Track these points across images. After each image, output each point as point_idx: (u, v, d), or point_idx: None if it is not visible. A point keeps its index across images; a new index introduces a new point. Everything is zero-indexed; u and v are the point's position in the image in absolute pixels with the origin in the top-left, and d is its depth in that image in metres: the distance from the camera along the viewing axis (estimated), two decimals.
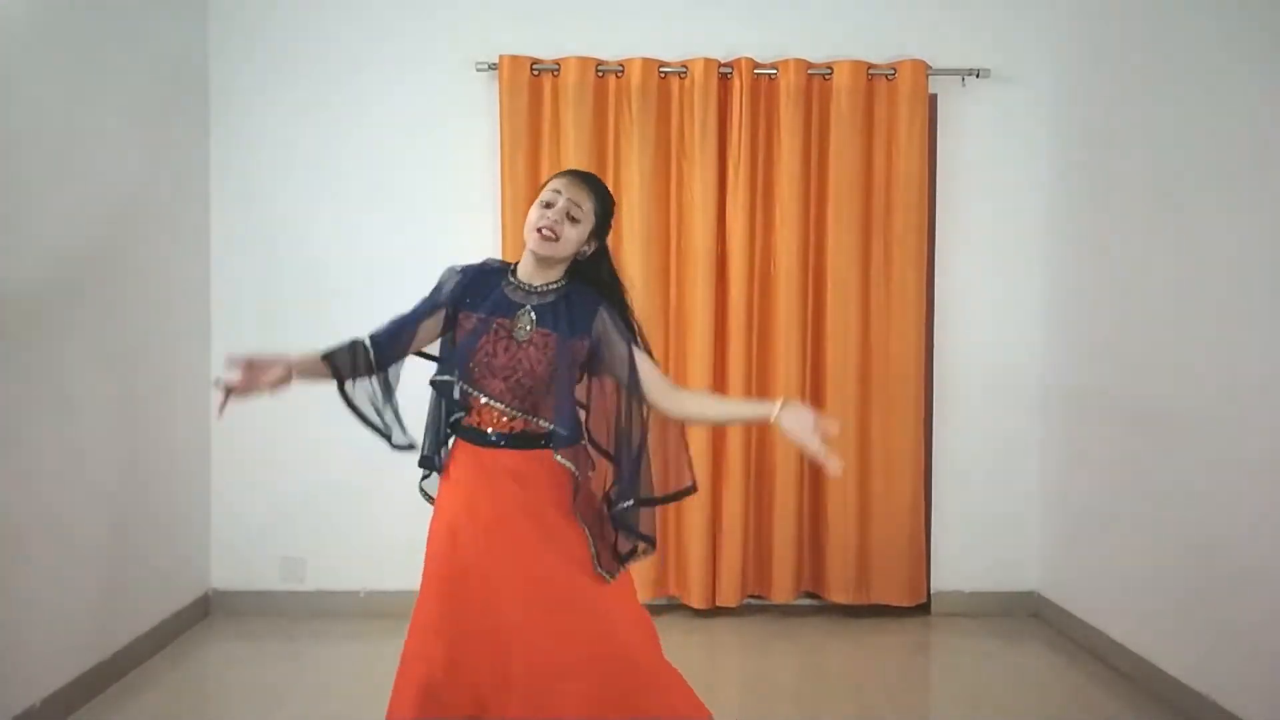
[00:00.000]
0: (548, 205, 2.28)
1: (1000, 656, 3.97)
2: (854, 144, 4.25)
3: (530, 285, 2.31)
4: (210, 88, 4.27)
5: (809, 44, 4.28)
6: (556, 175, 2.38)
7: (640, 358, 2.30)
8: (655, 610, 4.31)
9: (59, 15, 3.19)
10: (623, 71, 4.22)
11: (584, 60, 4.19)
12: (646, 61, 4.20)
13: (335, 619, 4.23)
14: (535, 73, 4.20)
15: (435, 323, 2.35)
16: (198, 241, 4.21)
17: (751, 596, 4.37)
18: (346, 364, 2.32)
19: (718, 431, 4.24)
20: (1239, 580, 3.11)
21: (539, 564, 2.23)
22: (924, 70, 4.26)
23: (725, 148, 4.24)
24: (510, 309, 2.28)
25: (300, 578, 4.30)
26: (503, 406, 2.25)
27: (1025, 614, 4.38)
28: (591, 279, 2.35)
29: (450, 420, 2.34)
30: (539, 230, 2.26)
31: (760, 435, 4.32)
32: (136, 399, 3.68)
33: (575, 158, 4.17)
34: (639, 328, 2.36)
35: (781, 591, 4.30)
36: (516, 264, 2.37)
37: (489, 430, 2.27)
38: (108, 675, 3.44)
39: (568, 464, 2.26)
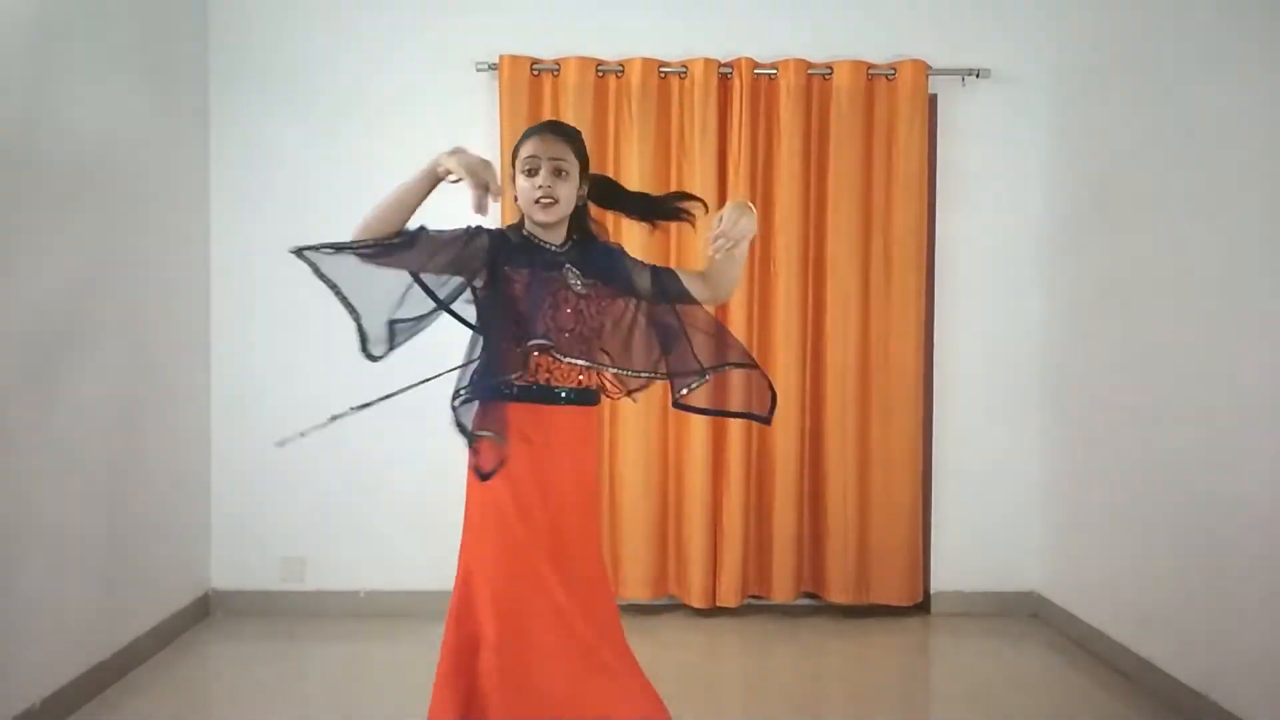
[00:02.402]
0: (531, 172, 2.26)
1: (1000, 656, 3.97)
2: (854, 144, 4.25)
3: (558, 246, 2.31)
4: (210, 87, 4.27)
5: (809, 44, 4.28)
6: (524, 139, 2.32)
7: (670, 277, 2.35)
8: (655, 610, 4.35)
9: (57, 16, 3.19)
10: (623, 71, 4.22)
11: (584, 60, 4.19)
12: (646, 61, 4.21)
13: (335, 619, 4.23)
14: (535, 73, 4.20)
15: (454, 260, 2.24)
16: (198, 241, 4.21)
17: (751, 596, 4.37)
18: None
19: (718, 432, 4.25)
20: (1239, 580, 3.11)
21: (581, 552, 2.29)
22: (924, 70, 4.26)
23: (725, 148, 4.24)
24: (555, 266, 2.27)
25: (300, 578, 4.31)
26: (580, 362, 2.24)
27: (1025, 614, 4.39)
28: (583, 224, 2.37)
29: (503, 380, 2.22)
30: (537, 201, 2.24)
31: (760, 435, 4.32)
32: (136, 399, 3.68)
33: None
34: (655, 203, 2.44)
35: (781, 591, 4.30)
36: (515, 228, 2.33)
37: (559, 389, 2.26)
38: (108, 675, 3.44)
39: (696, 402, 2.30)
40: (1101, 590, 3.92)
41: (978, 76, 4.31)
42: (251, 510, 4.29)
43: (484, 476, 2.18)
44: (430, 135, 4.28)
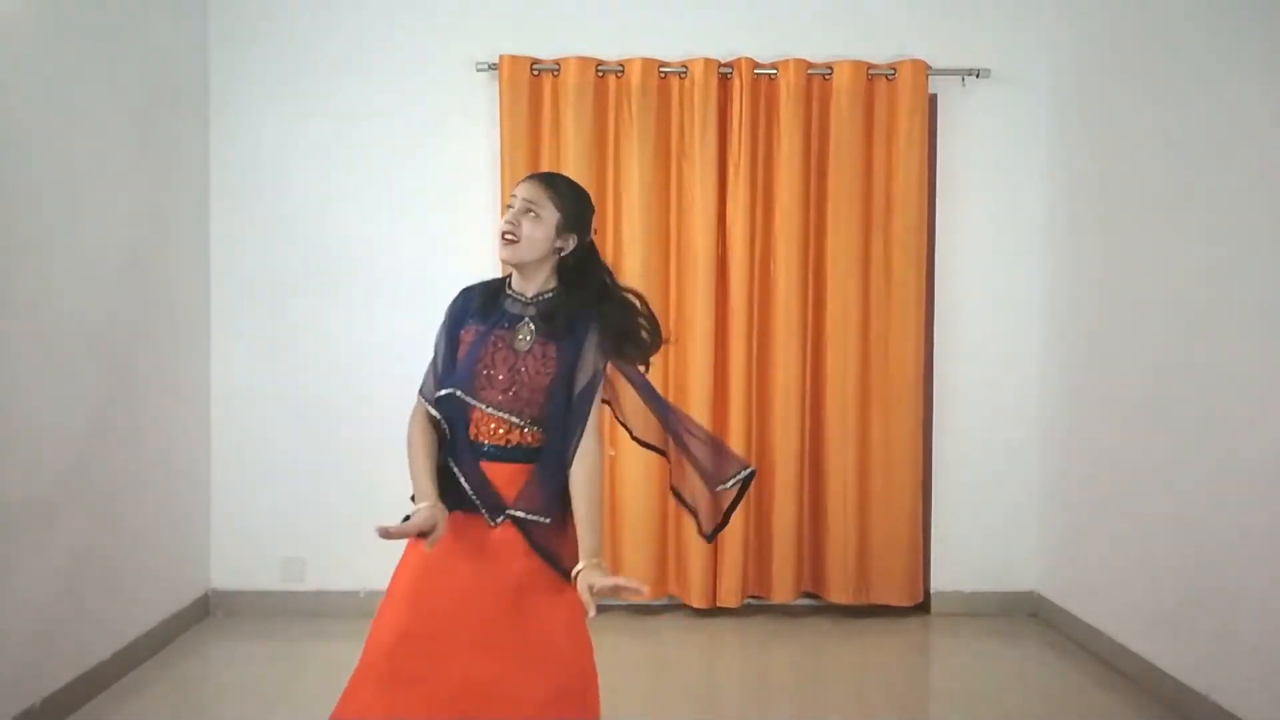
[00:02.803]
0: (510, 207, 2.25)
1: (1000, 656, 3.97)
2: (854, 144, 4.25)
3: (524, 296, 2.26)
4: (210, 88, 4.27)
5: (809, 44, 4.28)
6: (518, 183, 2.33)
7: (627, 377, 2.27)
8: (655, 610, 4.35)
9: (58, 16, 3.19)
10: (623, 71, 4.22)
11: (584, 60, 4.19)
12: (646, 61, 4.20)
13: (335, 619, 4.23)
14: (535, 73, 4.20)
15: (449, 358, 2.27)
16: (198, 242, 4.21)
17: (752, 597, 4.37)
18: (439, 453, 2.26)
19: (718, 432, 4.24)
20: (1239, 580, 3.11)
21: (499, 602, 2.17)
22: (924, 70, 4.26)
23: (725, 148, 4.24)
24: (511, 321, 2.24)
25: (300, 578, 4.30)
26: (503, 415, 2.19)
27: (1024, 614, 4.38)
28: (580, 284, 2.26)
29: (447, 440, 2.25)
30: (501, 236, 2.21)
31: (760, 436, 4.32)
32: (136, 399, 3.68)
33: (575, 158, 4.18)
34: (642, 326, 2.27)
35: (781, 591, 4.30)
36: (504, 280, 2.33)
37: (484, 442, 2.21)
38: (108, 675, 3.44)
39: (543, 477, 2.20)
40: (1101, 590, 3.92)
41: (978, 76, 4.31)
42: (251, 510, 4.28)
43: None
44: (431, 135, 4.31)
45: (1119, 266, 3.84)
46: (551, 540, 2.21)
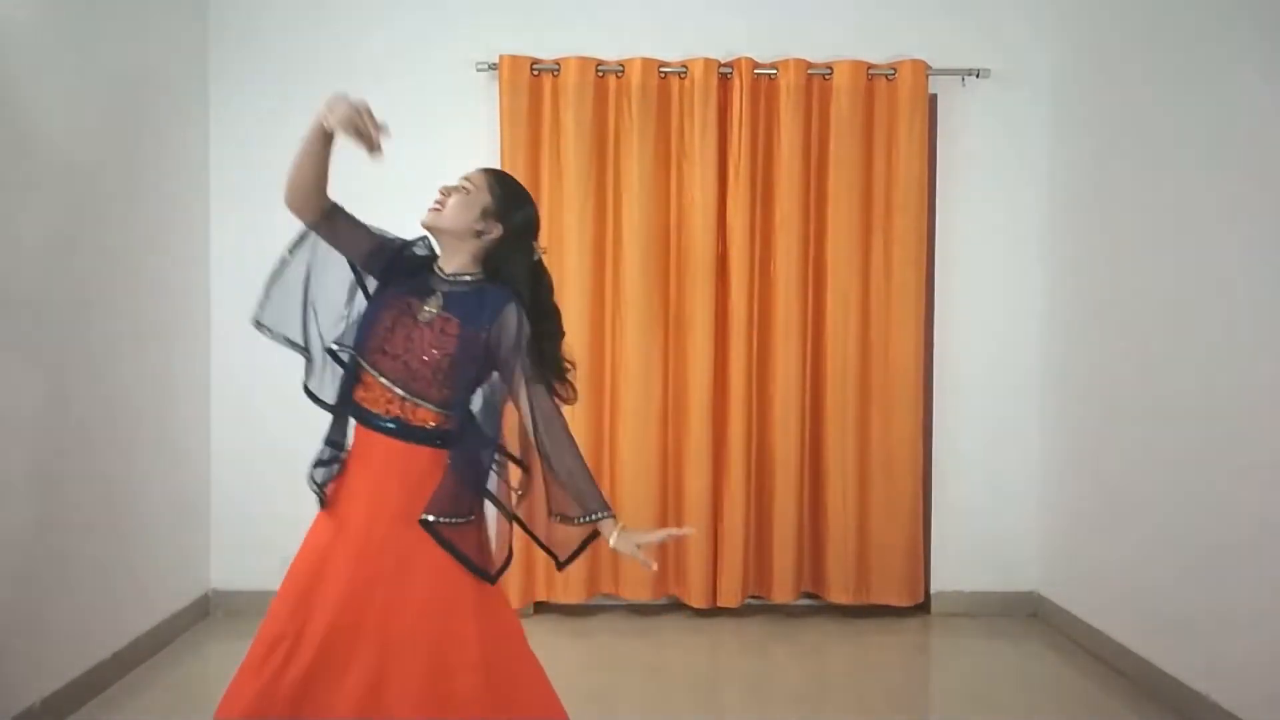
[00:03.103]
0: None
1: (1000, 656, 3.97)
2: (854, 144, 4.25)
3: (443, 272, 2.26)
4: (210, 87, 4.27)
5: (809, 44, 4.28)
6: None
7: (527, 382, 2.17)
8: (655, 610, 4.35)
9: (58, 16, 3.19)
10: (623, 71, 4.22)
11: (584, 60, 4.19)
12: (646, 61, 4.21)
13: None
14: (535, 73, 4.20)
15: (368, 252, 2.32)
16: (198, 242, 4.21)
17: (752, 597, 4.37)
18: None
19: (718, 432, 4.25)
20: (1239, 580, 3.11)
21: (401, 594, 2.13)
22: (924, 70, 4.26)
23: (725, 148, 4.24)
24: (424, 293, 2.23)
25: None
26: (387, 384, 2.15)
27: (1025, 614, 4.38)
28: (506, 277, 2.23)
29: (345, 395, 2.23)
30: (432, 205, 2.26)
31: (760, 436, 4.32)
32: (136, 399, 3.68)
33: (575, 158, 4.18)
34: (558, 351, 2.23)
35: (782, 591, 4.30)
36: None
37: (377, 411, 2.16)
38: (108, 675, 3.44)
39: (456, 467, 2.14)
40: (1101, 590, 3.92)
41: (978, 76, 4.31)
42: (251, 510, 4.28)
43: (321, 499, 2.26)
44: (431, 135, 4.30)
45: (1119, 266, 3.84)
46: (469, 538, 2.16)
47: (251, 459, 4.25)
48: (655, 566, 2.19)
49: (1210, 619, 3.24)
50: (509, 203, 2.28)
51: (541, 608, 4.32)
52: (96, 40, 3.42)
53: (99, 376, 3.43)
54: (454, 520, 2.13)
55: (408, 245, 2.35)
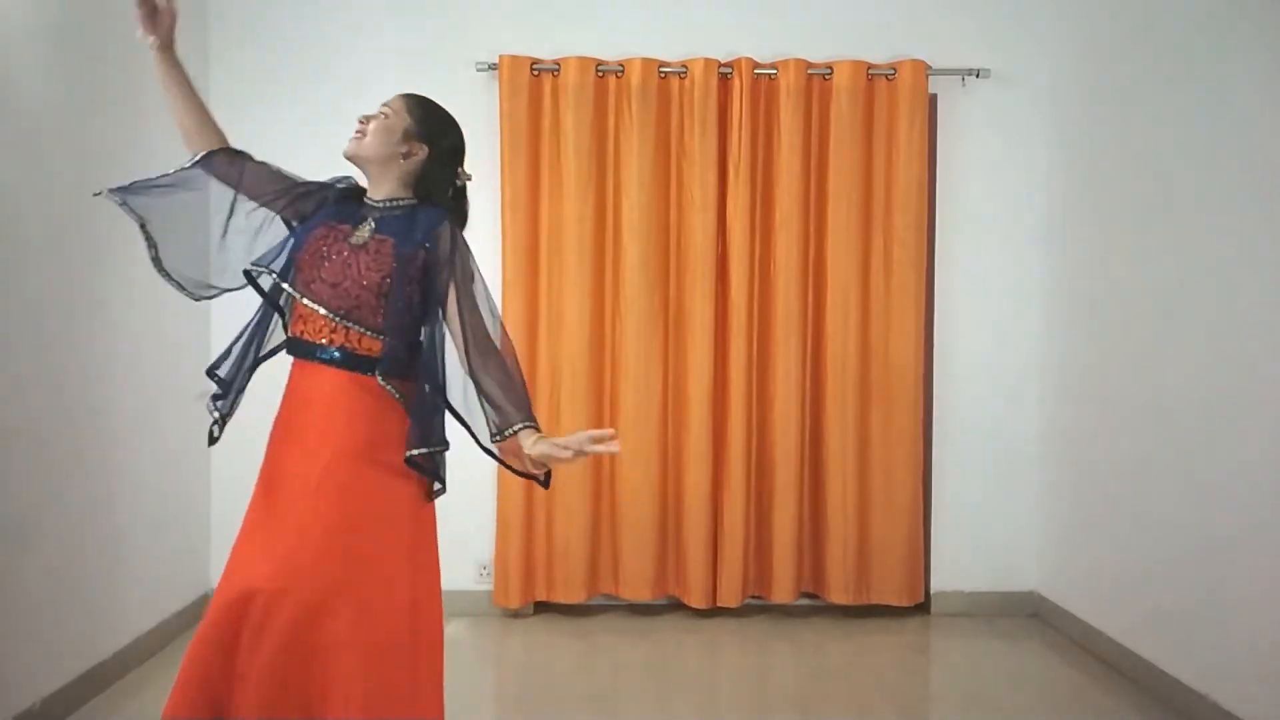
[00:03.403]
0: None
1: (1000, 656, 3.98)
2: (854, 144, 4.25)
3: (374, 200, 2.23)
4: (210, 87, 4.27)
5: (809, 44, 4.28)
6: None
7: (459, 298, 2.11)
8: (655, 610, 4.35)
9: (58, 16, 3.19)
10: (623, 71, 4.22)
11: (584, 60, 4.19)
12: (646, 61, 4.20)
13: None
14: (535, 73, 4.20)
15: (280, 191, 2.28)
16: (198, 242, 4.21)
17: (752, 597, 4.37)
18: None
19: (718, 432, 4.25)
20: (1239, 580, 3.11)
21: (342, 532, 2.07)
22: (924, 70, 4.26)
23: (725, 148, 4.24)
24: (355, 219, 2.19)
25: None
26: (325, 313, 2.10)
27: (1025, 614, 4.38)
28: (434, 199, 2.24)
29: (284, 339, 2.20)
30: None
31: (760, 435, 4.32)
32: (136, 398, 3.68)
33: (575, 158, 4.18)
34: (474, 268, 2.19)
35: (781, 591, 4.30)
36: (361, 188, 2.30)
37: (319, 341, 2.11)
38: (108, 675, 3.44)
39: (393, 392, 2.08)
40: (1101, 590, 3.92)
41: (978, 76, 4.31)
42: None
43: (213, 442, 2.30)
44: None
45: (1118, 265, 3.84)
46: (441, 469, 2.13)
47: (252, 459, 4.23)
48: (570, 455, 2.00)
49: (1210, 619, 3.24)
50: (432, 124, 2.29)
51: (541, 608, 4.32)
52: (97, 40, 3.42)
53: (98, 376, 3.42)
54: (437, 450, 2.10)
55: (328, 185, 2.31)
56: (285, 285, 2.15)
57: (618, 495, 4.28)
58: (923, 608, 4.40)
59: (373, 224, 2.18)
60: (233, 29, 4.26)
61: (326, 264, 2.13)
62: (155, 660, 3.72)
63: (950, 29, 4.36)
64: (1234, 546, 3.14)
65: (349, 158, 2.25)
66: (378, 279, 2.11)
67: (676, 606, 4.35)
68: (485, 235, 4.19)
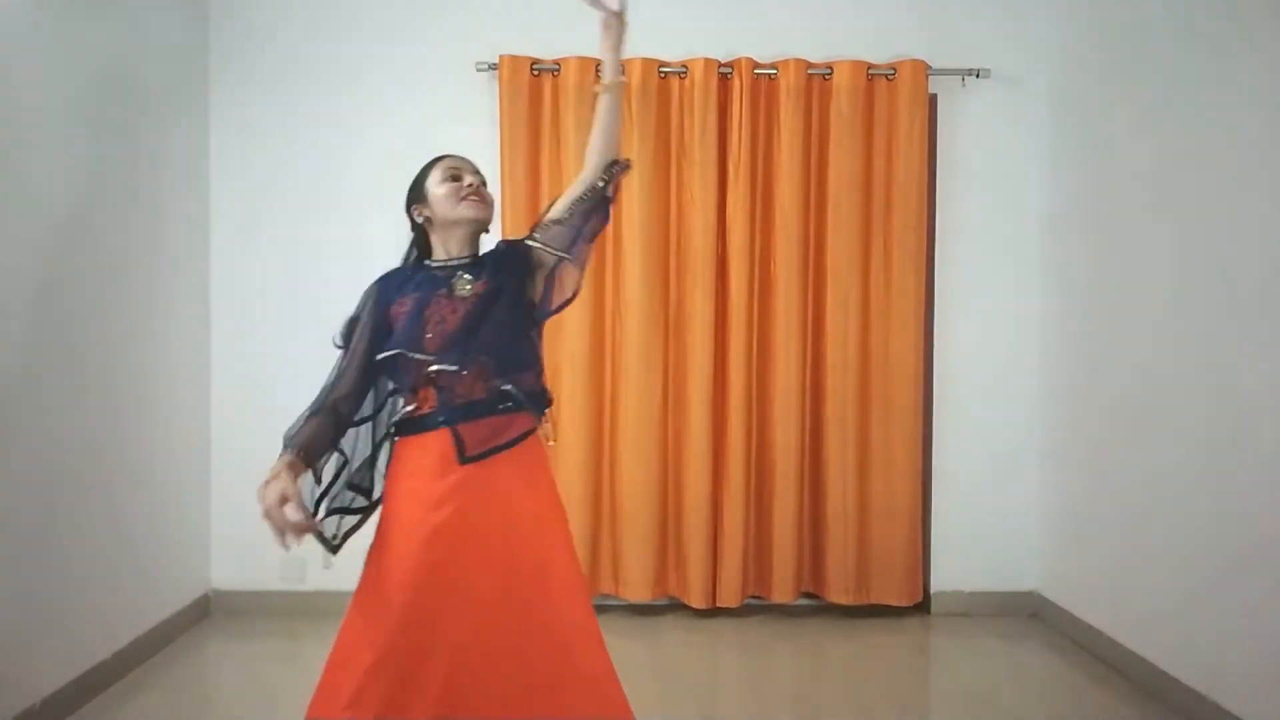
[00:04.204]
0: (455, 179, 2.27)
1: (1000, 656, 3.97)
2: (854, 144, 4.25)
3: (449, 260, 2.25)
4: (210, 87, 4.28)
5: (809, 44, 4.28)
6: (440, 158, 2.38)
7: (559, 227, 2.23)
8: (655, 610, 4.35)
9: (57, 16, 3.19)
10: (622, 72, 4.21)
11: (584, 60, 4.19)
12: (646, 61, 4.20)
13: (335, 619, 4.20)
14: (535, 73, 4.20)
15: (376, 338, 2.24)
16: (198, 242, 4.21)
17: (752, 597, 4.37)
18: (322, 437, 2.35)
19: (718, 432, 4.25)
20: (1239, 580, 3.11)
21: (500, 576, 2.18)
22: (924, 70, 4.26)
23: (725, 148, 4.24)
24: (441, 282, 2.21)
25: (300, 578, 4.30)
26: (479, 367, 2.13)
27: (1025, 614, 4.39)
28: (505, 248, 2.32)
29: (394, 422, 2.25)
30: (465, 197, 2.23)
31: (760, 435, 4.32)
32: (136, 398, 3.68)
33: (575, 158, 4.17)
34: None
35: (781, 592, 4.30)
36: (423, 260, 2.32)
37: (481, 398, 2.14)
38: (108, 675, 3.44)
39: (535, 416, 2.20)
40: (1101, 590, 3.92)
41: (978, 76, 4.31)
42: (251, 510, 4.23)
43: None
44: (430, 135, 4.29)
45: (1118, 266, 3.84)
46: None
47: (252, 459, 4.23)
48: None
49: (1210, 619, 3.24)
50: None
51: None
52: (96, 40, 3.42)
53: (98, 376, 3.43)
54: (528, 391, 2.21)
55: (386, 275, 2.34)
56: (427, 357, 2.17)
57: (618, 495, 4.28)
58: (922, 608, 4.40)
59: (465, 275, 2.22)
60: (233, 28, 4.26)
61: (448, 325, 2.16)
62: (155, 660, 3.73)
63: (950, 29, 4.36)
64: (1234, 546, 3.14)
65: (483, 220, 2.30)
66: (490, 310, 2.21)
67: (676, 607, 4.35)
68: (484, 235, 4.19)
